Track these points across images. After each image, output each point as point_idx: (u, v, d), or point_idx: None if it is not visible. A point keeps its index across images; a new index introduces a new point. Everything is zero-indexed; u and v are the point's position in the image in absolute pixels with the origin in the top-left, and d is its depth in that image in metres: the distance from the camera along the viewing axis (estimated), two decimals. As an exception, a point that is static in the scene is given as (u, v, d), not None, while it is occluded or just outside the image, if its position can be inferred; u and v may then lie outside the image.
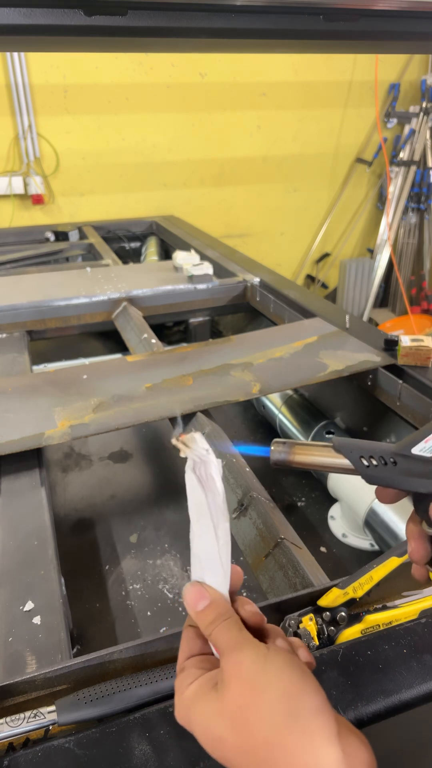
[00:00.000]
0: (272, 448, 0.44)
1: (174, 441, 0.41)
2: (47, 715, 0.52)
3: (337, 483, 1.12)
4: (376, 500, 1.00)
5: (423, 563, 0.43)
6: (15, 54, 2.70)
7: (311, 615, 0.63)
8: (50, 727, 0.52)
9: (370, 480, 0.40)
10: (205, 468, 0.40)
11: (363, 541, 1.06)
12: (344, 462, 0.41)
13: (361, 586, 0.65)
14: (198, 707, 0.36)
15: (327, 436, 1.20)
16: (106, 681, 0.55)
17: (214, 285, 1.69)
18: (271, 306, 1.60)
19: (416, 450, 0.39)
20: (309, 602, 0.64)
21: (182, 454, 0.40)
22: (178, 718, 0.38)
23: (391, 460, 0.39)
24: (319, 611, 0.63)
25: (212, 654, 0.41)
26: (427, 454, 0.39)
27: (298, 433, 1.29)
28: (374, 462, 0.40)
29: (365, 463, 0.40)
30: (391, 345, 1.20)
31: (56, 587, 0.71)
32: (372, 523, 1.01)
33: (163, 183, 3.27)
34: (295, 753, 0.31)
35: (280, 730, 0.32)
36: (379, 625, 0.64)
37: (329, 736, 0.32)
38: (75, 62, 2.84)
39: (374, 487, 0.43)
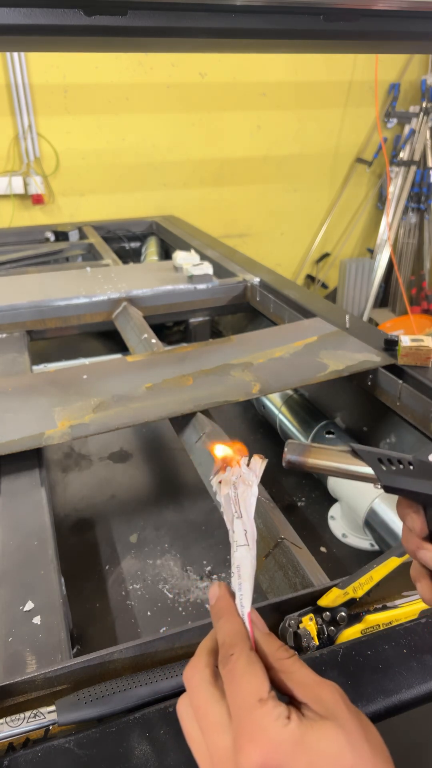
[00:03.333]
0: (286, 448, 0.43)
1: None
2: (47, 715, 0.52)
3: (337, 483, 1.12)
4: (377, 500, 1.00)
5: None
6: (15, 54, 2.70)
7: (311, 615, 0.63)
8: (50, 727, 0.52)
9: (387, 483, 0.40)
10: (250, 491, 0.40)
11: (363, 541, 1.06)
12: (360, 466, 0.41)
13: (361, 586, 0.65)
14: (316, 739, 0.33)
15: (327, 436, 1.20)
16: (106, 681, 0.55)
17: (214, 285, 1.69)
18: (271, 306, 1.60)
19: None
20: (309, 602, 0.64)
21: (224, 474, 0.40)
22: (277, 752, 0.32)
23: (409, 463, 0.39)
24: (319, 611, 0.63)
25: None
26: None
27: (298, 432, 1.29)
28: (392, 466, 0.39)
29: (383, 466, 0.39)
30: (391, 345, 1.20)
31: (56, 587, 0.71)
32: (372, 523, 1.01)
33: (163, 183, 3.27)
34: None
35: (388, 765, 0.33)
36: (379, 625, 0.64)
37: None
38: (75, 62, 2.84)
39: (374, 486, 0.43)
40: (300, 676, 0.35)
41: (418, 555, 0.43)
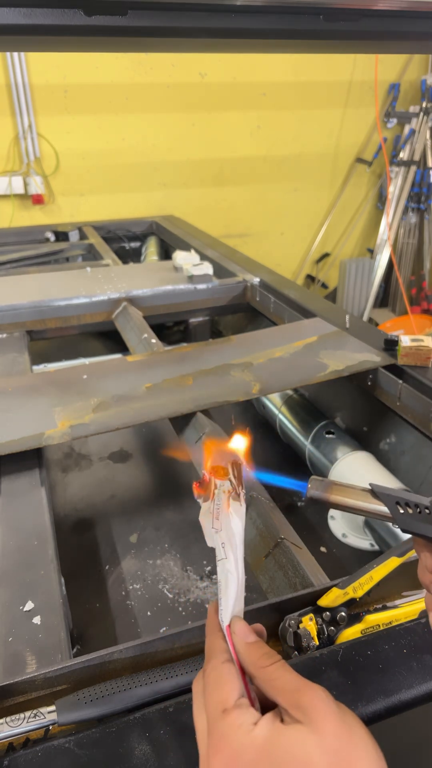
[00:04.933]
0: (309, 485, 0.45)
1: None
2: (47, 715, 0.52)
3: (337, 483, 1.12)
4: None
5: None
6: (15, 54, 2.70)
7: (311, 615, 0.63)
8: (50, 727, 0.52)
9: (403, 526, 0.41)
10: (239, 504, 0.41)
11: (363, 541, 1.06)
12: (380, 507, 0.42)
13: (361, 586, 0.65)
14: (285, 743, 0.33)
15: (327, 436, 1.20)
16: (106, 681, 0.55)
17: (214, 285, 1.69)
18: (271, 306, 1.60)
19: None
20: (309, 602, 0.64)
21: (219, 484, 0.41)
22: (239, 761, 0.33)
23: (426, 509, 0.40)
24: (319, 611, 0.63)
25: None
26: None
27: (298, 433, 1.29)
28: (409, 510, 0.41)
29: (401, 510, 0.41)
30: (391, 345, 1.20)
31: (56, 587, 0.71)
32: (372, 523, 1.01)
33: (163, 183, 3.27)
34: None
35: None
36: (379, 625, 0.64)
37: None
38: (75, 62, 2.84)
39: (392, 525, 0.45)
40: (280, 683, 0.36)
41: (431, 589, 0.45)
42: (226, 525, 0.40)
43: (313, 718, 0.34)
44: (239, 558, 0.40)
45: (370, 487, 0.43)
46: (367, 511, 0.43)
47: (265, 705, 0.37)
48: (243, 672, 0.38)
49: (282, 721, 0.35)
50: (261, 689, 0.37)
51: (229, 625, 0.40)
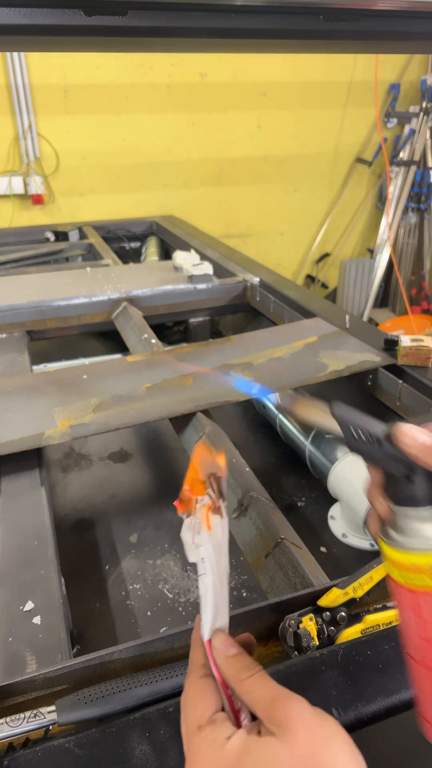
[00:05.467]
0: (279, 397, 0.48)
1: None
2: (47, 715, 0.52)
3: (337, 483, 1.12)
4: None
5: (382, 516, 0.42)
6: (15, 54, 2.70)
7: (311, 615, 0.63)
8: (50, 727, 0.52)
9: (352, 449, 0.41)
10: (220, 518, 0.41)
11: (363, 541, 1.06)
12: (336, 427, 0.42)
13: (361, 586, 0.65)
14: (255, 757, 0.34)
15: (327, 436, 1.20)
16: (106, 681, 0.55)
17: (214, 285, 1.69)
18: (271, 306, 1.60)
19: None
20: (309, 602, 0.64)
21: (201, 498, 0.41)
22: None
23: (377, 440, 0.39)
24: (319, 611, 0.63)
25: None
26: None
27: (298, 432, 1.29)
28: (362, 437, 0.40)
29: (353, 435, 0.41)
30: (391, 345, 1.20)
31: (56, 587, 0.71)
32: (372, 523, 1.01)
33: (163, 183, 3.27)
34: None
35: None
36: (379, 625, 0.64)
37: None
38: (75, 62, 2.84)
39: None
40: (257, 695, 0.36)
41: (374, 505, 0.43)
42: (206, 540, 0.40)
43: (286, 729, 0.34)
44: (221, 572, 0.40)
45: (333, 408, 0.44)
46: (325, 429, 0.44)
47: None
48: (225, 686, 0.39)
49: (259, 732, 0.35)
50: (242, 702, 0.38)
51: (210, 640, 0.40)
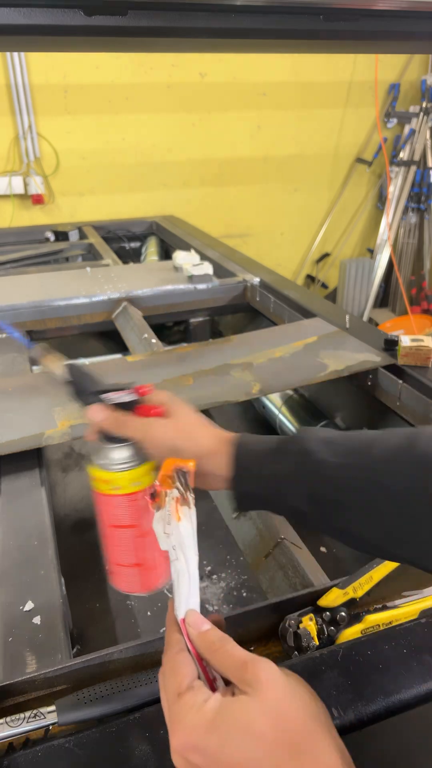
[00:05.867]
0: (34, 347, 0.62)
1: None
2: (47, 715, 0.52)
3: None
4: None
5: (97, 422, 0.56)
6: (15, 54, 2.70)
7: (311, 615, 0.63)
8: (50, 727, 0.52)
9: (74, 398, 0.59)
10: (188, 508, 0.45)
11: (363, 541, 1.06)
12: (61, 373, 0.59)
13: (361, 586, 0.65)
14: (230, 714, 0.37)
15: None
16: (106, 681, 0.55)
17: (214, 285, 1.69)
18: (271, 306, 1.60)
19: (105, 396, 0.56)
20: (309, 602, 0.64)
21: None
22: (191, 736, 0.37)
23: (91, 397, 0.57)
24: (319, 611, 0.63)
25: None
26: (101, 396, 0.56)
27: (298, 433, 1.29)
28: (81, 392, 0.58)
29: (76, 389, 0.58)
30: (391, 345, 1.20)
31: (56, 587, 0.71)
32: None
33: (163, 183, 3.27)
34: (326, 742, 0.37)
35: (314, 722, 0.37)
36: (379, 625, 0.64)
37: (335, 734, 0.38)
38: (75, 62, 2.84)
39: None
40: (230, 662, 0.40)
41: (89, 439, 0.58)
42: (176, 529, 0.44)
43: (257, 687, 0.38)
44: (190, 558, 0.44)
45: (70, 367, 0.58)
46: (61, 379, 0.59)
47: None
48: (200, 658, 0.43)
49: (233, 694, 0.39)
50: (217, 670, 0.42)
51: (184, 618, 0.44)
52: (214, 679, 0.42)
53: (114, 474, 0.54)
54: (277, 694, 0.38)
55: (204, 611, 0.46)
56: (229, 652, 0.41)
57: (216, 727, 0.37)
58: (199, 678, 0.42)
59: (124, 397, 0.56)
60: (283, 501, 0.53)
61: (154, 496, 0.46)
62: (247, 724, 0.37)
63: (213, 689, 0.41)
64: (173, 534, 0.44)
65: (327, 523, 0.51)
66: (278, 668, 0.39)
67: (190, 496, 0.45)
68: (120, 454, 0.55)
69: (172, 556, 0.44)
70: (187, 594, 0.44)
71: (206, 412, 1.05)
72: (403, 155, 3.58)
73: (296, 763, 0.35)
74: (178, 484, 0.45)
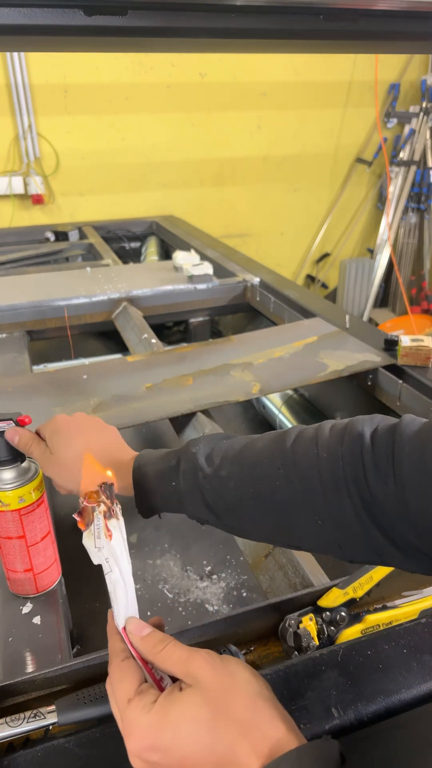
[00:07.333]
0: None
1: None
2: (47, 715, 0.52)
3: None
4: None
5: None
6: (15, 54, 2.70)
7: (311, 615, 0.63)
8: (50, 727, 0.52)
9: None
10: (116, 520, 0.46)
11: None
12: None
13: (361, 586, 0.65)
14: (178, 708, 0.39)
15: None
16: (106, 681, 0.55)
17: (214, 285, 1.69)
18: (271, 306, 1.60)
19: None
20: (309, 602, 0.64)
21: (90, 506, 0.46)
22: (145, 737, 0.39)
23: None
24: (319, 611, 0.63)
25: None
26: None
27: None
28: None
29: None
30: (391, 345, 1.20)
31: (56, 587, 0.71)
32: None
33: (163, 183, 3.27)
34: (270, 715, 0.39)
35: (257, 699, 0.39)
36: (379, 625, 0.64)
37: (283, 708, 0.41)
38: (75, 62, 2.84)
39: None
40: (173, 660, 0.42)
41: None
42: (107, 543, 0.45)
43: (199, 678, 0.40)
44: (124, 568, 0.45)
45: None
46: None
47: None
48: (144, 662, 0.44)
49: (181, 689, 0.41)
50: (162, 670, 0.43)
51: (125, 627, 0.45)
52: (161, 679, 0.44)
53: (2, 493, 0.63)
54: (218, 679, 0.40)
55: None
56: (170, 652, 0.43)
57: (167, 723, 0.39)
58: (146, 681, 0.43)
59: (3, 426, 0.62)
60: (186, 511, 0.61)
61: (81, 513, 0.46)
62: (194, 715, 0.38)
63: (161, 689, 0.43)
64: (104, 548, 0.45)
65: (226, 525, 0.58)
66: (217, 656, 0.42)
67: (117, 508, 0.47)
68: (6, 474, 0.63)
69: (106, 568, 0.45)
70: (125, 603, 0.46)
71: (206, 412, 1.05)
72: (403, 155, 3.58)
73: (247, 740, 0.37)
74: (103, 498, 0.46)
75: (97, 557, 0.45)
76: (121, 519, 0.47)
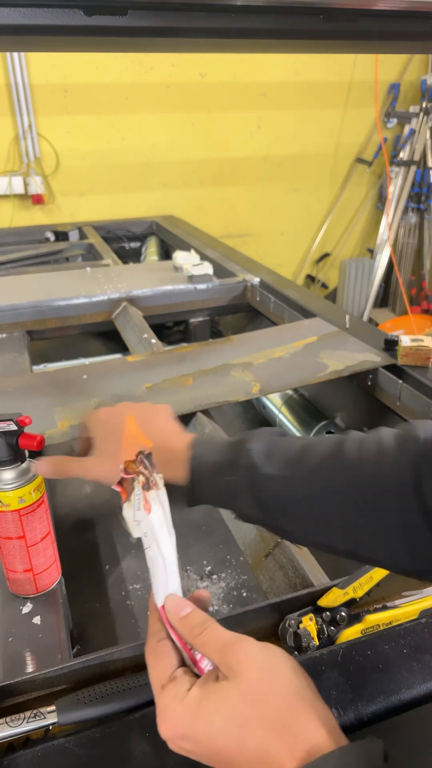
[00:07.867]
0: None
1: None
2: (47, 715, 0.52)
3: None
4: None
5: None
6: (15, 54, 2.70)
7: (311, 615, 0.63)
8: (50, 727, 0.52)
9: None
10: (156, 491, 0.44)
11: (363, 541, 1.06)
12: None
13: (361, 586, 0.65)
14: (213, 702, 0.38)
15: (327, 435, 1.20)
16: (106, 681, 0.55)
17: (214, 285, 1.69)
18: (271, 306, 1.60)
19: None
20: (309, 602, 0.64)
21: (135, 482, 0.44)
22: (178, 726, 0.38)
23: None
24: (319, 611, 0.63)
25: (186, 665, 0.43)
26: None
27: (298, 433, 1.29)
28: None
29: None
30: (391, 345, 1.20)
31: (56, 587, 0.71)
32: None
33: (163, 183, 3.27)
34: (309, 717, 0.37)
35: (296, 700, 0.38)
36: (379, 625, 0.64)
37: (325, 708, 0.39)
38: (75, 62, 2.84)
39: None
40: (211, 645, 0.41)
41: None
42: (145, 516, 0.43)
43: (237, 671, 0.39)
44: (163, 543, 0.43)
45: None
46: None
47: None
48: (183, 642, 0.42)
49: (217, 678, 0.40)
50: (202, 653, 0.42)
51: (163, 606, 0.43)
52: (200, 659, 0.42)
53: (2, 493, 0.62)
54: (257, 676, 0.38)
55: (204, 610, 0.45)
56: (208, 636, 0.41)
57: (200, 716, 0.38)
58: (184, 663, 0.42)
59: (4, 427, 0.61)
60: (235, 508, 0.59)
61: (121, 483, 0.44)
62: (228, 711, 0.37)
63: (199, 668, 0.42)
64: (143, 521, 0.43)
65: (275, 527, 0.57)
66: (259, 647, 0.40)
67: (157, 477, 0.44)
68: (6, 475, 0.63)
69: (145, 543, 0.43)
70: (165, 580, 0.44)
71: (206, 412, 1.05)
72: (403, 155, 3.58)
73: (282, 743, 0.36)
74: (142, 468, 0.44)
75: (135, 530, 0.43)
76: (163, 489, 0.44)
